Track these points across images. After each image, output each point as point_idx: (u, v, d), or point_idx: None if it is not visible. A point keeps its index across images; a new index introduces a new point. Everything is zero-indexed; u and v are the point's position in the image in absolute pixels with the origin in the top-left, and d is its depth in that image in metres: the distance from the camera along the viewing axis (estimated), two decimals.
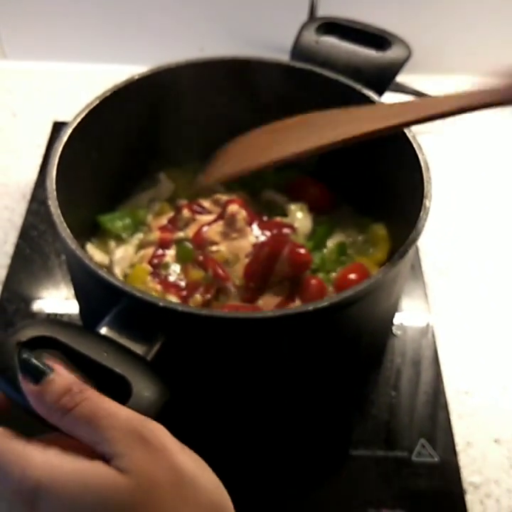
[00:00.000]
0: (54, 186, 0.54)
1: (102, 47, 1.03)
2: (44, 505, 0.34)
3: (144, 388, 0.41)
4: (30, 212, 0.82)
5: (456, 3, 0.97)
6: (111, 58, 1.02)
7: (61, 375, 0.39)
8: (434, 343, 0.71)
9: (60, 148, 0.57)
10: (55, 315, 0.72)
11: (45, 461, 0.36)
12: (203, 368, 0.53)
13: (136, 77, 0.66)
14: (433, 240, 0.81)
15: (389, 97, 0.67)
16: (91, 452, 0.36)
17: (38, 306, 0.73)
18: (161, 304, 0.46)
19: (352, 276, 0.63)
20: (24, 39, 1.04)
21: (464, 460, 0.62)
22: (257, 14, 0.98)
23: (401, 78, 0.96)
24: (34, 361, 0.39)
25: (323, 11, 0.94)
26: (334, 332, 0.55)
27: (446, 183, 0.88)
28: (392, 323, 0.70)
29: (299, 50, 0.71)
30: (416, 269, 0.77)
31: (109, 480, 0.35)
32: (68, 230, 0.51)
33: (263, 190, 0.74)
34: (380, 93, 0.66)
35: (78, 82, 1.02)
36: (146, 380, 0.41)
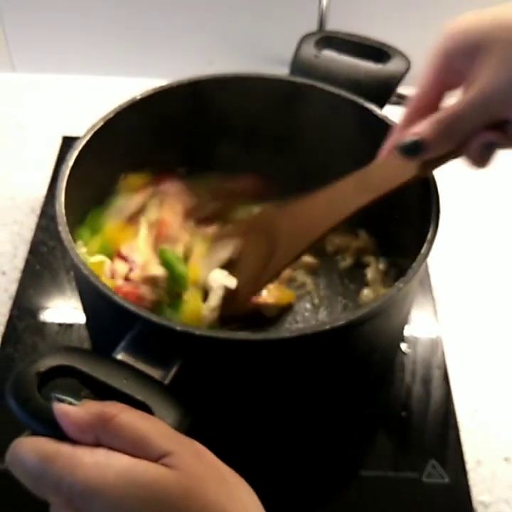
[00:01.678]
0: (63, 211, 0.54)
1: (110, 60, 1.04)
2: (95, 507, 0.35)
3: (165, 414, 0.41)
4: (39, 228, 0.82)
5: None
6: (119, 71, 1.02)
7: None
8: (444, 360, 0.70)
9: (68, 172, 0.57)
10: (65, 328, 0.72)
11: (94, 462, 0.36)
12: (219, 389, 0.53)
13: (139, 98, 0.66)
14: (442, 255, 0.81)
15: (393, 110, 0.67)
16: (136, 457, 0.37)
17: (47, 321, 0.73)
18: (178, 328, 0.46)
19: None
20: (33, 51, 1.04)
21: (473, 479, 0.62)
22: (267, 27, 0.98)
23: (407, 91, 0.97)
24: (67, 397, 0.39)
25: (332, 24, 0.94)
26: (349, 348, 0.55)
27: (456, 198, 0.88)
28: (402, 337, 0.70)
29: (298, 65, 0.71)
30: (425, 285, 0.77)
31: (159, 475, 0.35)
32: (80, 257, 0.51)
33: None
34: (381, 106, 0.67)
35: (87, 95, 1.02)
36: (167, 405, 0.41)
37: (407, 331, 0.72)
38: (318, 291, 0.74)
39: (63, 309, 0.74)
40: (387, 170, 0.57)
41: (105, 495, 0.35)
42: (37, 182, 0.88)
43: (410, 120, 0.54)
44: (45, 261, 0.78)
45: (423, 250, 0.53)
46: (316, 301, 0.73)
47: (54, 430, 0.38)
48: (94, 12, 0.98)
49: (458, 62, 0.50)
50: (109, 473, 0.35)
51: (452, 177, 0.91)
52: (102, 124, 0.62)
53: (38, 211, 0.84)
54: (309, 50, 0.71)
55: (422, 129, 0.51)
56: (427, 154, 0.52)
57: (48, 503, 0.38)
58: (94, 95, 1.01)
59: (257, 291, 0.66)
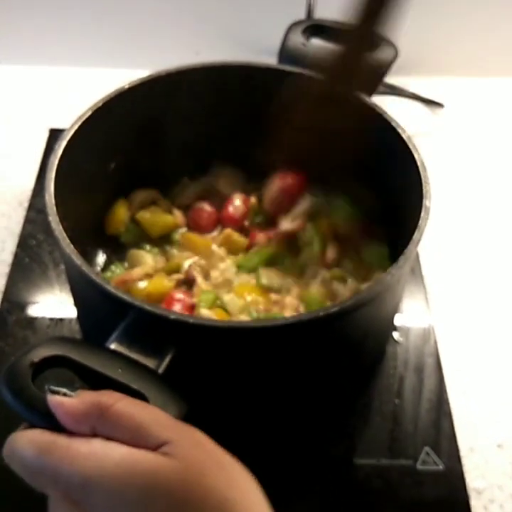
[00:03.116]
0: (53, 201, 0.54)
1: (98, 51, 1.03)
2: (93, 499, 0.35)
3: (161, 403, 0.40)
4: (28, 220, 0.81)
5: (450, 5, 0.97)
6: (107, 62, 1.01)
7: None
8: (437, 348, 0.71)
9: (56, 162, 0.57)
10: (56, 322, 0.71)
11: (91, 452, 0.35)
12: (214, 377, 0.53)
13: (127, 87, 0.65)
14: (433, 243, 0.81)
15: (385, 100, 0.67)
16: (134, 446, 0.36)
17: (38, 315, 0.72)
18: (171, 316, 0.46)
19: None
20: (19, 43, 1.03)
21: (467, 466, 0.62)
22: (255, 17, 0.98)
23: (397, 81, 0.97)
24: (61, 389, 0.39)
25: (320, 13, 0.94)
26: (342, 335, 0.55)
27: (446, 186, 0.88)
28: (393, 323, 0.70)
29: (286, 53, 0.71)
30: (417, 275, 0.78)
31: (157, 464, 0.35)
32: (72, 246, 0.50)
33: None
34: (370, 93, 0.66)
35: (74, 87, 1.01)
36: (163, 394, 0.41)
37: (400, 320, 0.72)
38: None
39: (53, 303, 0.73)
40: None
41: (103, 485, 0.34)
42: (24, 175, 0.87)
43: None
44: (34, 254, 0.78)
45: (414, 236, 0.53)
46: None
47: (49, 421, 0.38)
48: (82, 3, 0.98)
49: None
50: (106, 463, 0.35)
51: (444, 166, 0.91)
52: (90, 113, 0.62)
53: (25, 204, 0.84)
54: (297, 39, 0.71)
55: None
56: None
57: (46, 497, 0.37)
58: (81, 87, 1.00)
59: None
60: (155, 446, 0.36)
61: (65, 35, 1.01)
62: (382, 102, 0.66)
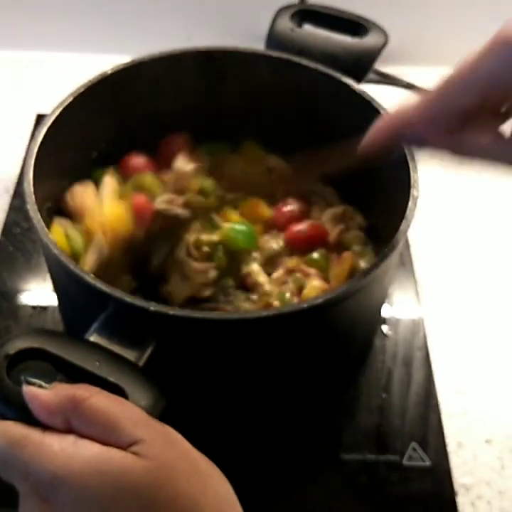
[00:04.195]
0: (32, 189, 0.53)
1: (88, 36, 1.01)
2: (61, 496, 0.34)
3: (140, 397, 0.40)
4: (12, 208, 0.80)
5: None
6: (97, 48, 1.00)
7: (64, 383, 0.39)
8: (426, 342, 0.70)
9: (36, 149, 0.56)
10: (39, 311, 0.70)
11: (61, 449, 0.35)
12: (195, 370, 0.52)
13: (109, 72, 0.64)
14: (424, 237, 0.80)
15: (376, 89, 0.66)
16: (105, 443, 0.36)
17: (21, 304, 0.71)
18: (151, 308, 0.45)
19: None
20: (6, 28, 1.01)
21: (454, 461, 0.62)
22: (246, 3, 0.97)
23: (392, 70, 0.96)
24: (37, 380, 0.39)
25: None
26: (328, 327, 0.55)
27: (436, 175, 0.87)
28: (381, 314, 0.69)
29: (274, 39, 0.70)
30: (407, 267, 0.77)
31: (126, 464, 0.35)
32: (50, 235, 0.49)
33: None
34: (359, 80, 0.65)
35: (63, 73, 1.00)
36: (142, 387, 0.41)
37: (389, 313, 0.72)
38: None
39: (37, 292, 0.72)
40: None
41: (71, 483, 0.34)
42: (10, 161, 0.86)
43: (416, 112, 0.47)
44: (18, 242, 0.77)
45: (402, 227, 0.52)
46: None
47: (23, 414, 0.37)
48: None
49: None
50: (76, 462, 0.35)
51: (435, 157, 0.90)
52: (71, 99, 0.60)
53: (11, 191, 0.82)
54: (285, 24, 0.70)
55: (429, 129, 0.46)
56: (429, 149, 0.48)
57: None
58: (70, 73, 0.98)
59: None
60: (127, 444, 0.35)
61: (56, 20, 1.00)
62: (376, 91, 0.65)
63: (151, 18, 1.00)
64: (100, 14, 1.00)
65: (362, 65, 0.67)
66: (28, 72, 1.01)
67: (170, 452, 0.36)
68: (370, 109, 0.61)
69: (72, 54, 1.02)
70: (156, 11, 0.99)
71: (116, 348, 0.43)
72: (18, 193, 0.82)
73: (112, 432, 0.36)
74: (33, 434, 0.36)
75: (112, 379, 0.40)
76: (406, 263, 0.77)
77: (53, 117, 0.58)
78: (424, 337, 0.70)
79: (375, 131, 0.49)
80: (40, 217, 0.50)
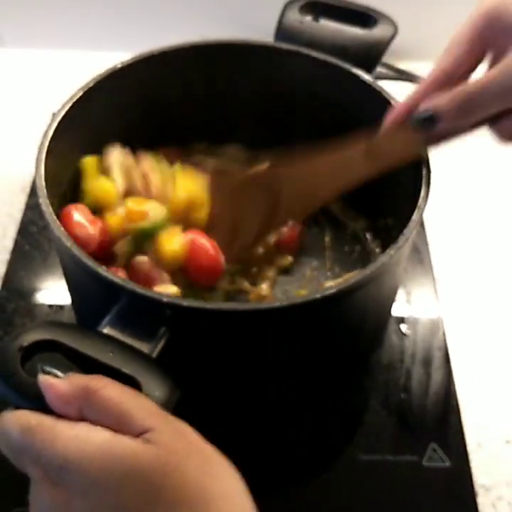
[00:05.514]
0: (43, 183, 0.52)
1: (102, 34, 1.02)
2: (72, 481, 0.35)
3: (154, 387, 0.40)
4: (29, 207, 0.80)
5: None
6: (112, 46, 0.99)
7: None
8: (445, 341, 0.69)
9: (47, 144, 0.56)
10: (56, 309, 0.70)
11: (74, 435, 0.36)
12: (208, 361, 0.52)
13: (119, 66, 0.64)
14: (443, 234, 0.80)
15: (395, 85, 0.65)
16: (117, 432, 0.37)
17: (38, 303, 0.71)
18: (164, 299, 0.45)
19: None
20: (22, 26, 1.02)
21: (474, 462, 0.61)
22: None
23: (406, 65, 0.95)
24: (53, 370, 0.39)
25: None
26: (341, 317, 0.54)
27: (456, 173, 0.86)
28: (391, 308, 0.68)
29: (283, 32, 0.70)
30: (425, 265, 0.76)
31: (137, 450, 0.35)
32: (62, 228, 0.49)
33: None
34: (369, 71, 0.65)
35: (78, 71, 0.99)
36: (156, 378, 0.41)
37: (407, 312, 0.71)
38: None
39: (54, 290, 0.72)
40: (396, 141, 0.55)
41: (82, 469, 0.35)
42: (27, 161, 0.86)
43: (425, 91, 0.52)
44: (34, 241, 0.77)
45: (414, 216, 0.52)
46: None
47: (37, 405, 0.38)
48: None
49: (492, 38, 0.48)
50: (87, 447, 0.35)
51: (454, 149, 0.89)
52: (81, 94, 0.60)
53: (27, 190, 0.83)
54: (294, 16, 0.69)
55: (439, 102, 0.49)
56: (442, 128, 0.50)
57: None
58: (85, 71, 0.99)
59: (253, 244, 0.66)
60: (138, 433, 0.36)
61: (70, 18, 1.00)
62: (392, 87, 0.64)
63: (164, 15, 1.00)
64: (114, 13, 1.00)
65: (372, 55, 0.67)
66: (43, 70, 1.01)
67: (180, 440, 0.37)
68: (380, 100, 0.60)
69: (87, 52, 1.02)
70: (169, 8, 1.00)
71: (129, 340, 0.43)
72: (34, 191, 0.82)
73: (124, 421, 0.36)
74: (47, 421, 0.37)
75: (126, 370, 0.40)
76: (424, 261, 0.76)
77: (63, 112, 0.58)
78: (444, 336, 0.69)
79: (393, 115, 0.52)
80: (51, 210, 0.50)
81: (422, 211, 0.52)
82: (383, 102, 0.60)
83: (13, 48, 1.04)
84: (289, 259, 0.71)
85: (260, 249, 0.68)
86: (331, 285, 0.47)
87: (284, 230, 0.70)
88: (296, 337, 0.52)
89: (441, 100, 0.49)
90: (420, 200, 0.53)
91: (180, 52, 0.66)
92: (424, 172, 0.55)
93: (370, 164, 0.55)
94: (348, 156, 0.56)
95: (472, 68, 0.51)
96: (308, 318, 0.49)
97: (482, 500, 0.58)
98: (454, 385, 0.65)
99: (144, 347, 0.43)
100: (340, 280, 0.60)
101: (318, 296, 0.46)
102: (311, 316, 0.49)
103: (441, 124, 0.50)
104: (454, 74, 0.51)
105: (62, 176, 0.60)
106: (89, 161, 0.63)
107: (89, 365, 0.40)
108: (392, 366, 0.67)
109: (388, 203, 0.67)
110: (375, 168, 0.55)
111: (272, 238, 0.69)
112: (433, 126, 0.50)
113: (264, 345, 0.52)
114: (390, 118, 0.55)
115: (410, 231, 0.51)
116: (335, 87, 0.66)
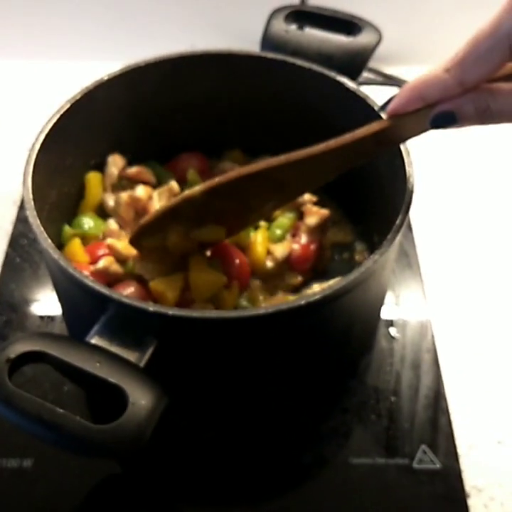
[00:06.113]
0: (31, 196, 0.53)
1: (93, 45, 1.02)
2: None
3: (140, 396, 0.40)
4: (19, 219, 0.81)
5: None
6: (102, 56, 1.00)
7: None
8: (434, 344, 0.69)
9: (34, 156, 0.57)
10: (47, 321, 0.70)
11: None
12: (197, 368, 0.52)
13: (106, 78, 0.65)
14: (431, 237, 0.80)
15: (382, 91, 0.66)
16: None
17: (29, 315, 0.71)
18: (151, 308, 0.45)
19: None
20: (15, 37, 1.03)
21: (466, 463, 0.61)
22: (249, 9, 0.97)
23: (395, 71, 0.96)
24: None
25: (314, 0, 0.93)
26: (328, 323, 0.54)
27: (443, 178, 0.87)
28: (380, 312, 0.69)
29: (269, 41, 0.71)
30: (413, 268, 0.76)
31: None
32: (49, 240, 0.50)
33: None
34: (354, 78, 0.66)
35: (71, 82, 1.00)
36: (142, 387, 0.41)
37: (396, 315, 0.71)
38: None
39: (44, 302, 0.73)
40: (401, 124, 0.52)
41: None
42: (17, 173, 0.86)
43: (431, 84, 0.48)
44: (25, 254, 0.77)
45: (398, 221, 0.52)
46: None
47: (25, 418, 0.38)
48: None
49: None
50: None
51: (437, 154, 0.90)
52: (68, 106, 0.61)
53: (18, 203, 0.83)
54: (279, 26, 0.70)
55: (460, 104, 0.47)
56: (459, 127, 0.48)
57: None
58: (77, 82, 0.99)
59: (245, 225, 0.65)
60: None
61: (60, 28, 1.01)
62: (379, 92, 0.65)
63: (155, 25, 1.01)
64: (104, 23, 1.01)
65: (356, 63, 0.67)
66: (35, 82, 1.02)
67: None
68: (365, 107, 0.61)
69: (78, 63, 1.02)
70: (159, 18, 1.01)
71: (117, 350, 0.43)
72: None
73: None
74: None
75: (112, 380, 0.40)
76: (412, 264, 0.77)
77: (50, 125, 0.59)
78: (432, 338, 0.70)
79: (404, 92, 0.49)
80: (39, 222, 0.50)
81: (405, 215, 0.53)
82: (368, 109, 0.61)
83: (3, 59, 1.04)
84: (299, 278, 0.69)
85: (270, 264, 0.67)
86: (316, 291, 0.48)
87: (296, 246, 0.69)
88: (283, 343, 0.52)
89: (461, 103, 0.47)
90: (404, 205, 0.53)
91: (167, 63, 0.67)
92: (408, 175, 0.55)
93: (375, 146, 0.53)
94: (350, 139, 0.54)
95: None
96: (294, 324, 0.50)
97: (474, 500, 0.59)
98: (443, 387, 0.66)
99: (131, 356, 0.43)
100: (325, 286, 0.61)
101: (302, 302, 0.46)
102: (297, 323, 0.50)
103: (460, 125, 0.48)
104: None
105: (51, 187, 0.60)
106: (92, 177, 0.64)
107: (76, 376, 0.40)
108: (381, 369, 0.67)
109: (373, 207, 0.67)
110: (380, 149, 0.53)
111: (283, 254, 0.68)
112: (451, 126, 0.48)
113: (251, 351, 0.52)
114: (395, 102, 0.50)
115: (394, 236, 0.51)
116: (321, 94, 0.66)
